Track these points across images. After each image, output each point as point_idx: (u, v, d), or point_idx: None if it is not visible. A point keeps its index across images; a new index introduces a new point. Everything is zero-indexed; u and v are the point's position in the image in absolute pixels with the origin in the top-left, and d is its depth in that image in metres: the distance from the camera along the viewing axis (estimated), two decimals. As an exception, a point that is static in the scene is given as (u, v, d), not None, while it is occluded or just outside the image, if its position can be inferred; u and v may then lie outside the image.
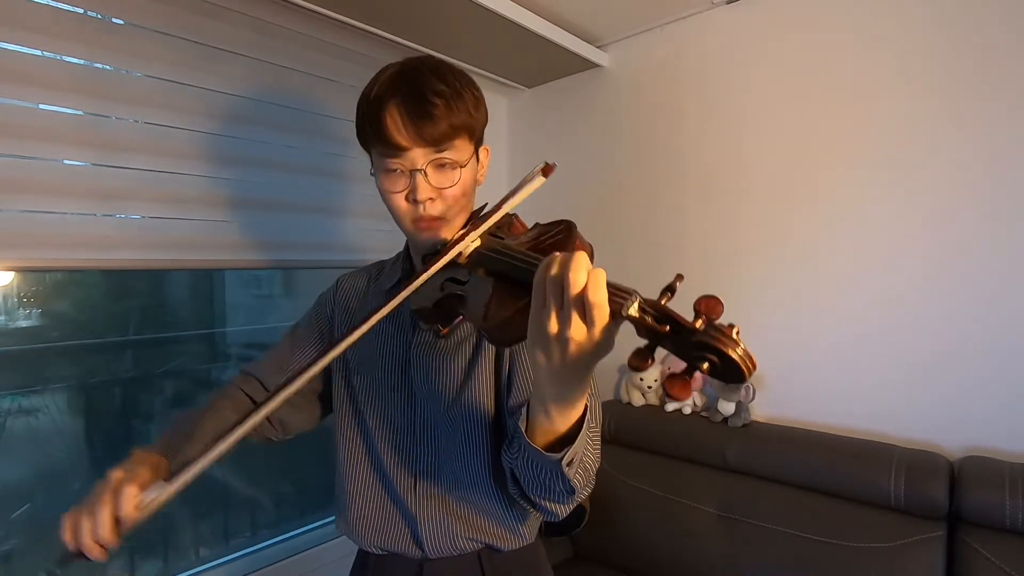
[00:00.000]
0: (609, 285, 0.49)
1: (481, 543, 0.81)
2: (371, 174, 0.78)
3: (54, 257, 1.10)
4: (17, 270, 1.20)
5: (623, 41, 1.79)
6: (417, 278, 0.63)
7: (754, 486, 1.39)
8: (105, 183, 1.15)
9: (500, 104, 2.07)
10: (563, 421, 0.58)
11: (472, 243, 0.65)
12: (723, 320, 0.46)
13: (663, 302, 0.49)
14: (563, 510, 0.72)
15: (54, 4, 1.08)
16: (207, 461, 0.58)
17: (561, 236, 0.62)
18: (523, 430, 0.61)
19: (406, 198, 0.73)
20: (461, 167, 0.74)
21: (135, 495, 0.59)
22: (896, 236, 1.33)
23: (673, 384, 0.47)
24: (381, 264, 0.96)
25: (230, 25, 1.31)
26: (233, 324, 1.69)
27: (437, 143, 0.71)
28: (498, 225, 0.68)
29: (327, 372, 0.91)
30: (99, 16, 1.15)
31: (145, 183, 1.20)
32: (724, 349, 0.43)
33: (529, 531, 0.84)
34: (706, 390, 1.60)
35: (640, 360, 0.48)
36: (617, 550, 1.54)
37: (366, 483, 0.85)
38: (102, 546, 0.58)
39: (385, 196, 0.75)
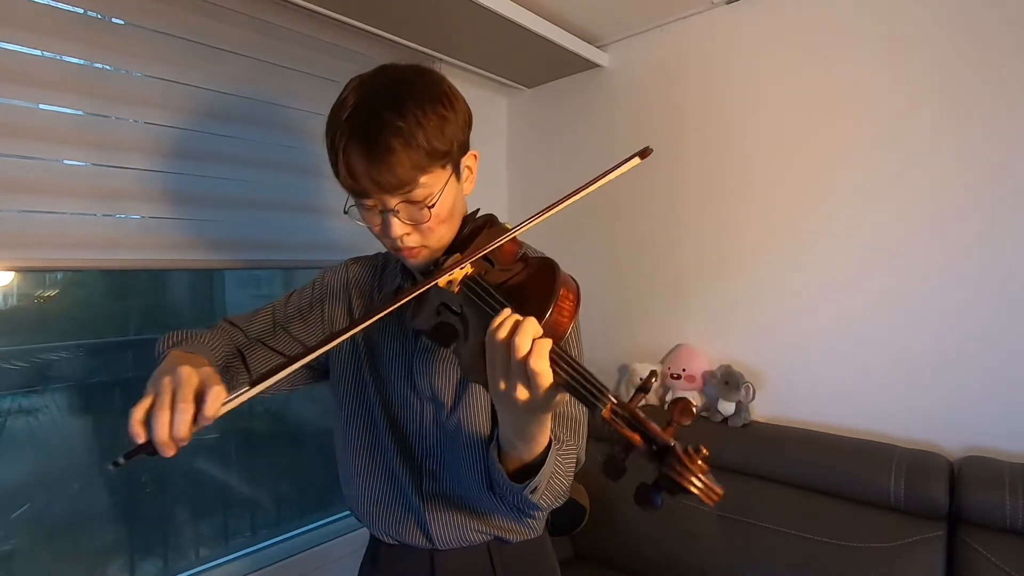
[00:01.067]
0: (582, 374, 0.50)
1: (490, 535, 0.83)
2: (344, 212, 0.76)
3: (54, 257, 1.10)
4: (17, 270, 1.20)
5: (623, 41, 1.79)
6: (402, 299, 0.64)
7: (754, 486, 1.39)
8: (105, 183, 1.15)
9: (500, 104, 2.07)
10: (528, 452, 0.62)
11: (461, 270, 0.66)
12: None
13: (635, 403, 0.49)
14: (536, 514, 0.79)
15: (54, 4, 1.08)
16: (287, 372, 0.60)
17: (543, 276, 0.63)
18: (493, 455, 0.64)
19: (383, 234, 0.73)
20: (430, 207, 0.71)
21: (223, 394, 0.57)
22: (896, 236, 1.33)
23: (643, 501, 0.47)
24: (387, 256, 0.95)
25: (230, 25, 1.31)
26: (233, 324, 1.68)
27: (402, 187, 0.68)
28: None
29: (324, 356, 0.90)
30: (99, 16, 1.15)
31: (145, 183, 1.20)
32: (684, 484, 0.45)
33: (537, 524, 0.86)
34: (706, 390, 1.60)
35: (612, 472, 0.48)
36: (617, 550, 1.54)
37: (375, 477, 0.85)
38: (176, 444, 0.56)
39: (367, 228, 0.76)
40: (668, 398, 1.62)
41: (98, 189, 1.14)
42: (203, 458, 1.59)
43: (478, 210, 0.83)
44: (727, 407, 1.48)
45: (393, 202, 0.70)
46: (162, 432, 0.55)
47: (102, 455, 1.39)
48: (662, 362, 1.68)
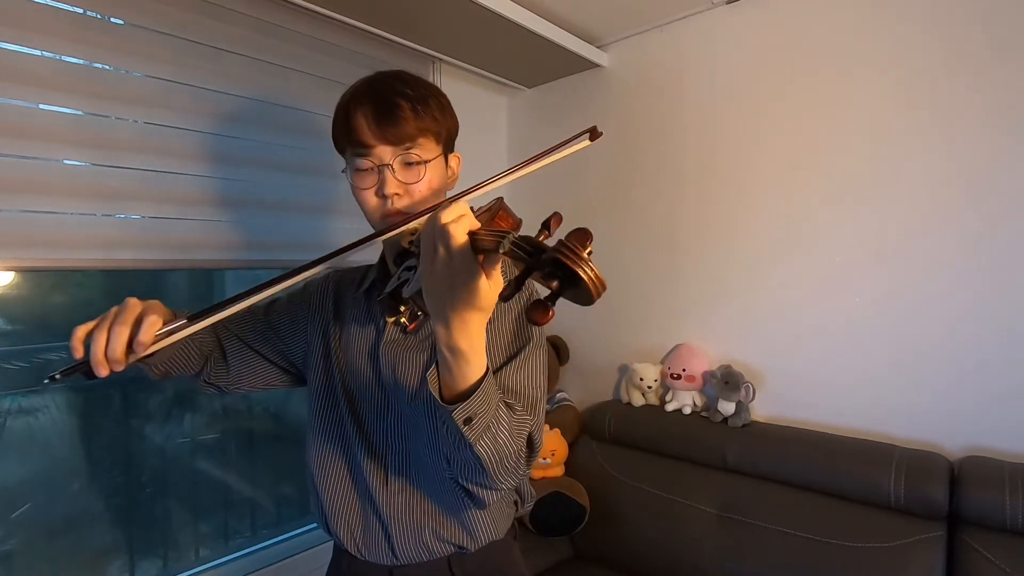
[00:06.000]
0: (494, 229, 0.53)
1: (451, 545, 0.82)
2: (342, 172, 0.82)
3: (54, 257, 1.10)
4: (17, 270, 1.20)
5: (623, 41, 1.79)
6: (361, 242, 0.69)
7: (754, 486, 1.39)
8: (105, 183, 1.15)
9: (500, 104, 2.07)
10: (460, 373, 0.60)
11: (419, 225, 0.69)
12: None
13: (540, 239, 0.51)
14: (489, 496, 0.75)
15: (54, 4, 1.08)
16: (224, 314, 0.64)
17: (489, 210, 0.65)
18: (432, 382, 0.63)
19: (375, 193, 0.78)
20: (426, 163, 0.78)
21: (158, 324, 0.61)
22: (896, 236, 1.33)
23: (535, 309, 0.46)
24: (369, 267, 0.97)
25: (230, 25, 1.31)
26: (233, 324, 1.68)
27: (402, 142, 0.76)
28: None
29: (301, 354, 0.94)
30: (99, 16, 1.15)
31: (145, 183, 1.20)
32: (571, 266, 0.44)
33: (496, 528, 0.85)
34: (706, 390, 1.60)
35: (508, 289, 0.49)
36: (617, 550, 1.54)
37: (340, 483, 0.86)
38: (110, 365, 0.59)
39: (356, 193, 0.80)
40: (668, 398, 1.62)
41: (98, 189, 1.14)
42: (203, 458, 1.59)
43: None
44: (727, 407, 1.48)
45: (391, 157, 0.76)
46: (97, 351, 0.59)
47: (102, 455, 1.39)
48: (662, 362, 1.68)
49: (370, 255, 0.98)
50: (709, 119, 1.61)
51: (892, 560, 1.16)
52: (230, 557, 1.46)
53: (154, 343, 0.61)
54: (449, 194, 0.85)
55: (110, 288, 1.46)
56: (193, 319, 0.63)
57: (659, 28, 1.70)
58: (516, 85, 1.97)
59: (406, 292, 0.68)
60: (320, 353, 0.91)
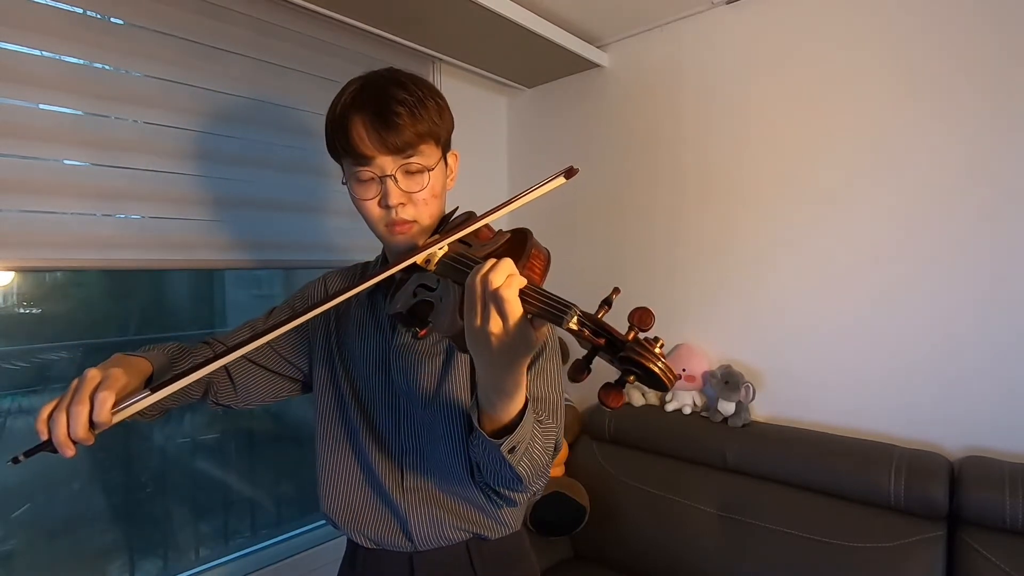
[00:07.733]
0: (551, 297, 0.54)
1: (469, 532, 0.83)
2: (343, 183, 0.80)
3: (54, 257, 1.10)
4: (17, 270, 1.20)
5: (623, 41, 1.79)
6: (386, 271, 0.68)
7: (754, 486, 1.39)
8: (105, 183, 1.15)
9: (500, 104, 2.07)
10: (505, 411, 0.63)
11: (440, 249, 0.69)
12: (655, 331, 0.52)
13: (600, 315, 0.53)
14: (520, 497, 0.79)
15: (54, 4, 1.08)
16: (189, 379, 0.62)
17: (517, 243, 0.66)
18: (474, 417, 0.65)
19: (378, 204, 0.76)
20: (429, 171, 0.77)
21: (110, 400, 0.59)
22: (895, 235, 1.33)
23: (608, 394, 0.51)
24: (365, 265, 0.97)
25: (230, 25, 1.31)
26: (233, 324, 1.67)
27: (403, 150, 0.74)
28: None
29: (306, 361, 0.93)
30: (99, 16, 1.15)
31: (145, 183, 1.20)
32: (647, 364, 0.49)
33: (514, 520, 0.87)
34: (706, 390, 1.60)
35: (577, 372, 0.52)
36: (617, 550, 1.54)
37: (352, 479, 0.86)
38: (75, 443, 0.59)
39: (358, 204, 0.78)
40: (668, 398, 1.62)
41: (98, 189, 1.14)
42: (203, 458, 1.59)
43: (456, 208, 0.85)
44: (727, 407, 1.48)
45: (393, 167, 0.74)
46: (59, 433, 0.58)
47: (102, 455, 1.39)
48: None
49: (366, 254, 0.99)
50: (709, 119, 1.61)
51: (892, 560, 1.16)
52: (230, 557, 1.46)
53: (115, 416, 0.59)
54: (449, 199, 0.84)
55: (110, 288, 1.46)
56: (155, 388, 0.61)
57: (659, 28, 1.70)
58: (516, 85, 1.97)
59: (440, 329, 0.68)
60: (324, 357, 0.90)
